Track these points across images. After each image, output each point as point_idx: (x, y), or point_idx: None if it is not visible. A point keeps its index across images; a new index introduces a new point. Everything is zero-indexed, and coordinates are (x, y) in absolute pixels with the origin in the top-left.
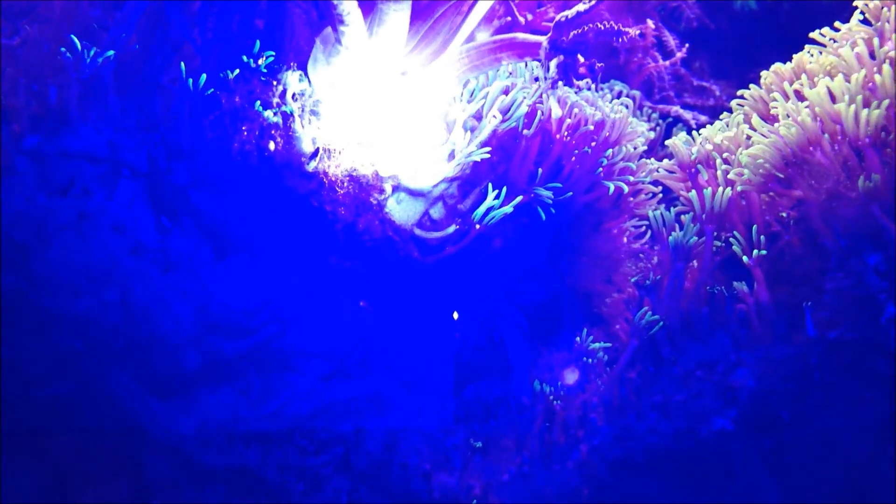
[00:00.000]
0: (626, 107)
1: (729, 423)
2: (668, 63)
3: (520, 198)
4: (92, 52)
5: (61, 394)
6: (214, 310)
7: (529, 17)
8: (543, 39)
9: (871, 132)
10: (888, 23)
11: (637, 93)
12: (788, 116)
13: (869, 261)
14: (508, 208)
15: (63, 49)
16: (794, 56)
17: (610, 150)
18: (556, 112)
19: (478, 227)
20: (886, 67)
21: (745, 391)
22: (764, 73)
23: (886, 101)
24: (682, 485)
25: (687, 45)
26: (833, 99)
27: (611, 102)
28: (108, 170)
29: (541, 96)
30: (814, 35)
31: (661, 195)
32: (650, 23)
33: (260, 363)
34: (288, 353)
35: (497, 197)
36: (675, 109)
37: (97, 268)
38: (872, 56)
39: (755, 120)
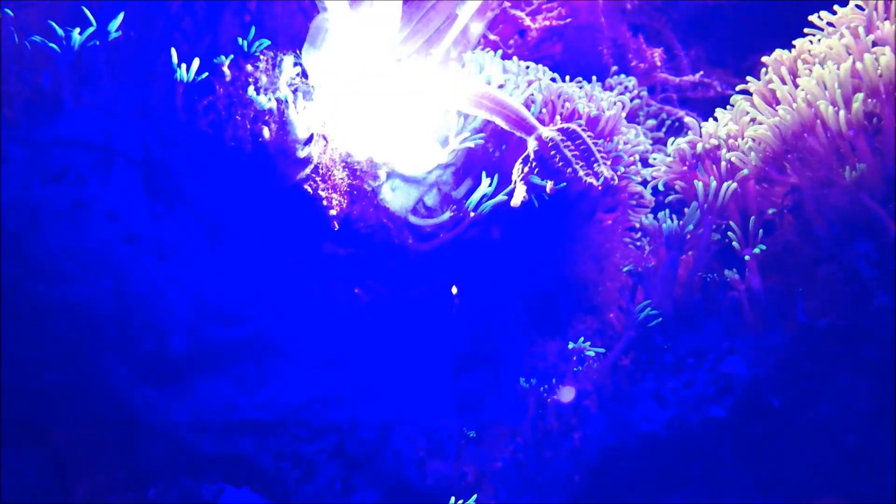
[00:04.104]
0: (623, 105)
1: (720, 410)
2: (679, 80)
3: (512, 186)
4: (75, 33)
5: (57, 382)
6: (209, 298)
7: (528, 22)
8: (539, 131)
9: (854, 125)
10: (875, 11)
11: (645, 92)
12: (786, 100)
13: (860, 249)
14: (502, 196)
15: (36, 37)
16: (795, 42)
17: (601, 140)
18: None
19: (472, 214)
20: (868, 57)
21: (737, 379)
22: (765, 59)
23: (860, 96)
24: (674, 471)
25: (701, 72)
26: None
27: (612, 91)
28: (103, 157)
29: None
30: (812, 18)
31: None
32: (657, 56)
33: (254, 351)
34: (283, 341)
35: (490, 184)
36: (682, 114)
37: (91, 255)
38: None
39: (756, 100)
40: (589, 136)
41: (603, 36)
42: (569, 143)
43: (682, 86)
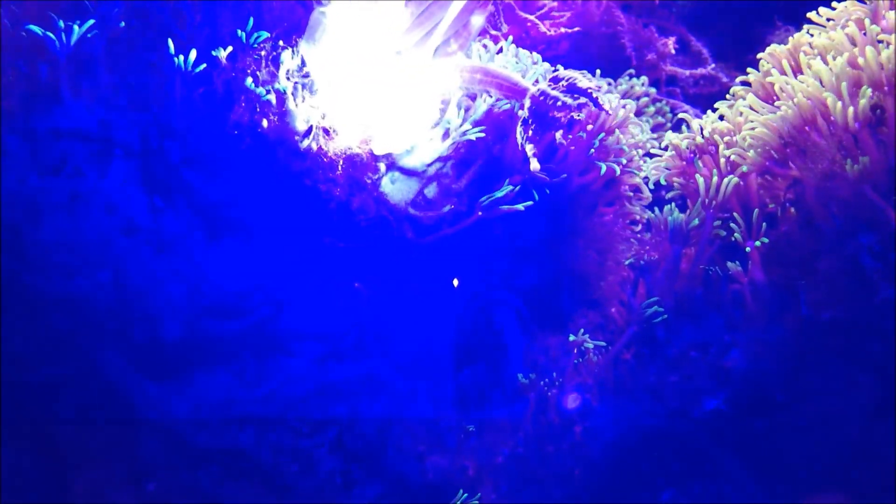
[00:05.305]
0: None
1: (722, 404)
2: (688, 72)
3: (530, 202)
4: (75, 26)
5: (55, 376)
6: (208, 291)
7: (537, 24)
8: (532, 90)
9: (860, 119)
10: (881, 1)
11: (653, 90)
12: (785, 94)
13: (863, 241)
14: (520, 206)
15: (34, 27)
16: (790, 38)
17: (603, 133)
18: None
19: (480, 213)
20: (870, 49)
21: (739, 372)
22: (760, 56)
23: (868, 91)
24: (675, 465)
25: (713, 65)
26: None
27: (616, 89)
28: (101, 149)
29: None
30: (811, 15)
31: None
32: (670, 45)
33: (254, 345)
34: (282, 334)
35: (512, 189)
36: (686, 108)
37: (90, 248)
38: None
39: (752, 98)
40: (574, 70)
41: (610, 32)
42: (558, 87)
43: (690, 79)
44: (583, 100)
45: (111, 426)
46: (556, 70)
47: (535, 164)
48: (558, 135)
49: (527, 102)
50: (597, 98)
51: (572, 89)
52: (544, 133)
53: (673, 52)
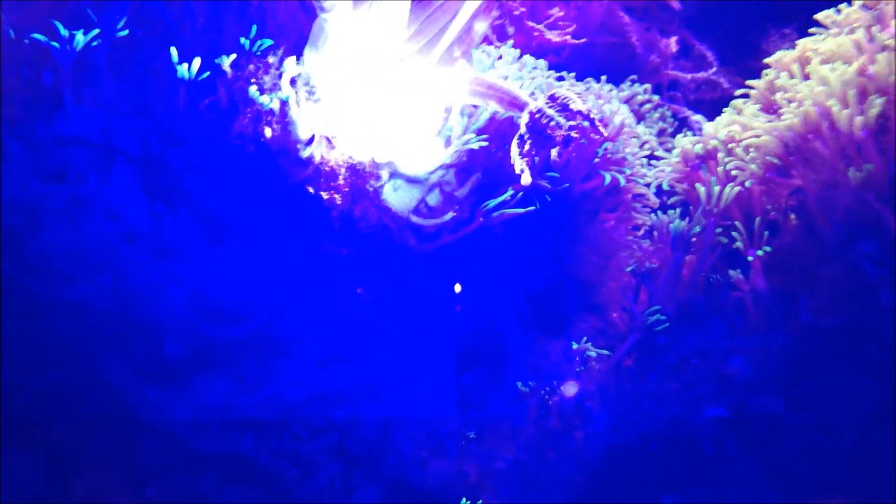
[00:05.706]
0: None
1: (723, 410)
2: (689, 76)
3: (532, 207)
4: (79, 34)
5: (56, 380)
6: (209, 296)
7: (543, 32)
8: (530, 105)
9: (868, 126)
10: (888, 6)
11: (656, 97)
12: (791, 103)
13: (864, 248)
14: (520, 210)
15: (38, 35)
16: (798, 42)
17: (608, 143)
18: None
19: (481, 219)
20: (881, 57)
21: (740, 378)
22: (768, 60)
23: (878, 101)
24: (676, 471)
25: (714, 69)
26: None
27: (619, 95)
28: (102, 155)
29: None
30: (819, 17)
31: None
32: (671, 45)
33: (255, 349)
34: (283, 339)
35: (514, 195)
36: (689, 113)
37: (91, 254)
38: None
39: (752, 108)
40: (573, 91)
41: (615, 38)
42: (556, 105)
43: (691, 84)
44: (579, 119)
45: (112, 430)
46: (560, 77)
47: (525, 179)
48: (554, 152)
49: (524, 117)
50: (593, 119)
51: (566, 109)
52: (542, 146)
53: (674, 51)
